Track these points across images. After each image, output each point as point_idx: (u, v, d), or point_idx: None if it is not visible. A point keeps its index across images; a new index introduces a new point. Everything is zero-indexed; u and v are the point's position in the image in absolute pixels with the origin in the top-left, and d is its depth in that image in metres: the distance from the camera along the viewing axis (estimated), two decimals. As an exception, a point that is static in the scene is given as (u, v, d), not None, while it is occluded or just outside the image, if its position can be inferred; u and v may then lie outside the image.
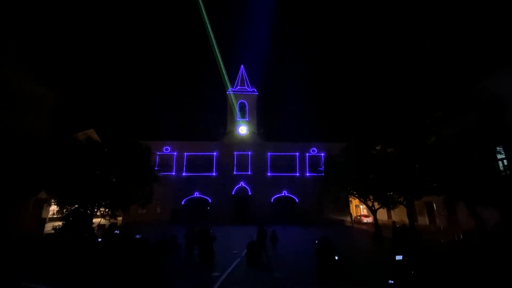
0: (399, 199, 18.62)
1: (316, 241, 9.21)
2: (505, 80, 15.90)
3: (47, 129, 20.43)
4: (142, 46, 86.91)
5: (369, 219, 33.71)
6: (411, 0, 64.24)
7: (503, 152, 15.74)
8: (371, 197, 20.37)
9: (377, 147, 20.04)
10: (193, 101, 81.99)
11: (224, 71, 30.44)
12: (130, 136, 19.24)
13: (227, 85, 31.78)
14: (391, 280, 7.75)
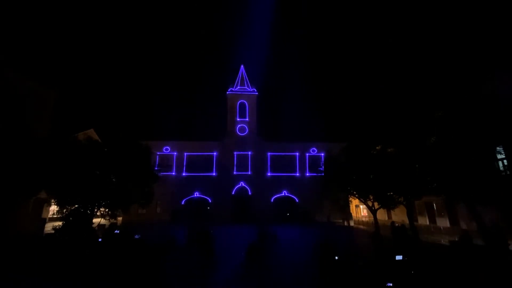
0: (399, 199, 18.64)
1: (315, 241, 9.21)
2: (505, 80, 15.91)
3: (47, 129, 20.45)
4: (141, 45, 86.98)
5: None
6: (412, 0, 64.24)
7: (503, 152, 15.76)
8: (371, 197, 20.37)
9: (377, 147, 20.06)
10: (193, 101, 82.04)
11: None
12: (130, 136, 19.27)
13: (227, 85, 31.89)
14: (390, 283, 7.70)
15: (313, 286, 8.50)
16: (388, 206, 19.33)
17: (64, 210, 15.83)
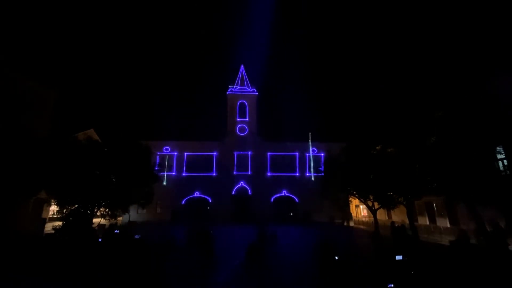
0: (399, 199, 18.63)
1: (315, 241, 9.18)
2: (505, 80, 15.90)
3: (47, 129, 20.45)
4: (141, 45, 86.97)
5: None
6: (413, 0, 64.23)
7: (503, 152, 15.76)
8: (371, 197, 20.37)
9: (377, 147, 20.06)
10: (193, 101, 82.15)
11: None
12: (130, 136, 19.27)
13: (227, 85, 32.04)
14: (391, 284, 7.67)
15: (313, 286, 8.50)
16: (388, 206, 19.33)
17: (64, 210, 15.84)
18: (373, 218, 21.23)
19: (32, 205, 19.02)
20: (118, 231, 13.32)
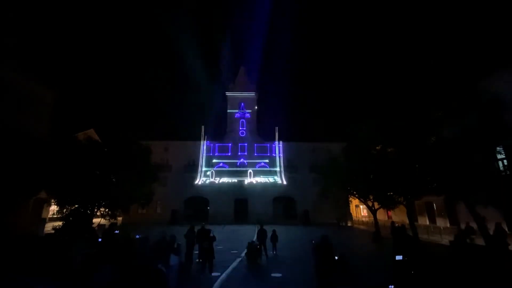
0: (399, 199, 18.60)
1: (313, 241, 9.13)
2: (505, 80, 15.91)
3: (47, 129, 20.44)
4: (142, 46, 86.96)
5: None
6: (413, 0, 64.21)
7: (503, 152, 15.75)
8: (371, 197, 20.35)
9: (377, 147, 20.03)
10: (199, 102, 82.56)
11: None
12: (131, 136, 19.22)
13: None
14: (391, 285, 7.66)
15: (313, 286, 8.50)
16: (388, 206, 19.29)
17: (64, 210, 15.83)
18: (373, 218, 21.21)
19: (32, 205, 19.02)
20: (118, 231, 13.29)
